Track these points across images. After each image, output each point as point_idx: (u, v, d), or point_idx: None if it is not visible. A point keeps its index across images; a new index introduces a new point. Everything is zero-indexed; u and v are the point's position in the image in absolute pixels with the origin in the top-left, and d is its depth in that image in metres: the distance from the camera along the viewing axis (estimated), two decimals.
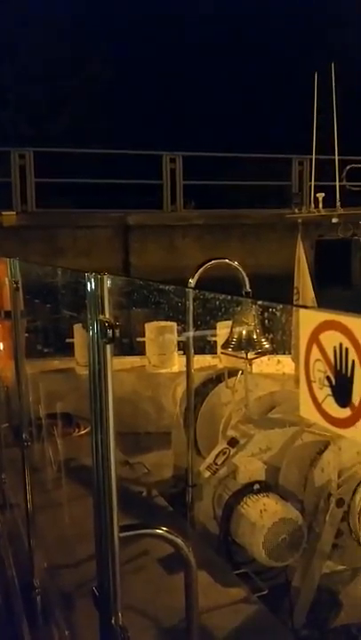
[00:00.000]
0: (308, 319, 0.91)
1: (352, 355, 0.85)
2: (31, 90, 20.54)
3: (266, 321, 3.87)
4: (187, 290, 3.70)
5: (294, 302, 5.21)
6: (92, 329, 1.37)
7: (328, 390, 0.90)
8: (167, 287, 3.03)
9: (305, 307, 0.94)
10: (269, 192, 16.12)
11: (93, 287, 1.39)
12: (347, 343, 0.85)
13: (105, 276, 1.37)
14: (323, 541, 3.25)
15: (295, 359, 4.91)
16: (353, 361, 0.85)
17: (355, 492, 3.22)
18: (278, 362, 4.98)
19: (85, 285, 1.40)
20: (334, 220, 5.50)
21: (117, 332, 1.33)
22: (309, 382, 0.92)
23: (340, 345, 0.86)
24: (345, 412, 0.87)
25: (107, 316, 1.36)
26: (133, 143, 15.43)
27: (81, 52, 20.80)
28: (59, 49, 20.42)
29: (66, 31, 20.43)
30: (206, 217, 13.24)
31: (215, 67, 21.07)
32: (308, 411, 0.92)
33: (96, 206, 13.35)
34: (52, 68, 20.49)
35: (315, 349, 0.91)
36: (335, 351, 0.88)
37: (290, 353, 5.07)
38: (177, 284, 4.02)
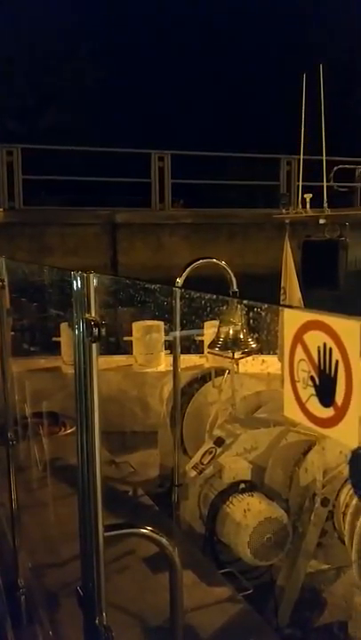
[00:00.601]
0: (292, 319, 0.92)
1: (336, 355, 0.86)
2: (19, 86, 20.44)
3: (252, 321, 3.88)
4: (174, 289, 3.70)
5: (281, 302, 5.22)
6: (78, 327, 1.37)
7: (312, 390, 0.90)
8: (154, 286, 3.03)
9: (289, 306, 0.94)
10: (258, 191, 16.19)
11: (80, 286, 1.38)
12: (331, 343, 0.86)
13: (91, 275, 1.36)
14: (307, 541, 3.27)
15: (281, 359, 4.92)
16: (336, 361, 0.86)
17: (339, 491, 3.24)
18: (263, 361, 4.99)
19: (72, 284, 1.40)
20: (322, 221, 5.52)
21: (103, 330, 1.33)
22: (293, 382, 0.93)
23: (324, 345, 0.87)
24: (328, 412, 0.87)
25: (93, 314, 1.36)
26: (122, 141, 15.41)
27: (70, 49, 20.74)
28: (48, 45, 20.34)
29: (54, 27, 20.34)
30: (194, 216, 13.27)
31: (205, 67, 21.09)
32: (291, 410, 0.93)
33: (84, 204, 13.32)
34: (41, 64, 20.41)
35: (299, 349, 0.92)
36: (319, 351, 0.88)
37: (275, 353, 5.09)
38: (165, 283, 4.02)
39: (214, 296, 3.23)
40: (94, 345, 1.36)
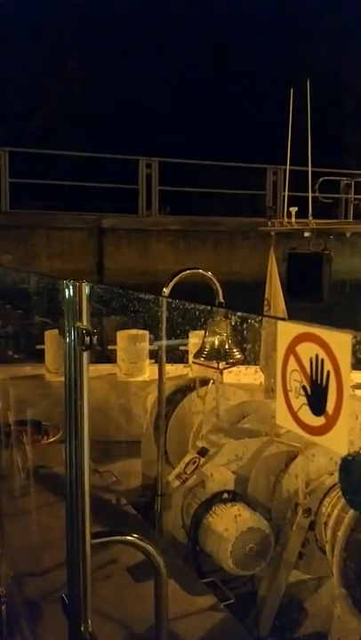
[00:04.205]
0: (285, 331, 0.94)
1: (327, 366, 0.88)
2: (6, 90, 20.41)
3: (238, 331, 3.90)
4: (160, 299, 3.72)
5: (264, 314, 5.26)
6: (70, 336, 1.38)
7: (304, 399, 0.93)
8: (144, 296, 3.05)
9: (283, 319, 0.96)
10: (244, 200, 16.32)
11: (72, 294, 1.40)
12: (323, 355, 0.88)
13: (84, 284, 1.38)
14: (289, 550, 3.29)
15: (264, 369, 4.95)
16: (328, 372, 0.88)
17: (321, 501, 3.27)
18: (256, 372, 5.02)
19: (63, 292, 1.41)
20: (306, 234, 5.57)
21: (95, 339, 1.34)
22: (286, 391, 0.95)
23: (317, 356, 0.89)
24: (319, 421, 0.90)
25: (84, 323, 1.37)
26: (110, 148, 15.44)
27: (59, 54, 20.78)
28: (35, 49, 20.37)
29: (43, 31, 20.38)
30: (181, 223, 13.35)
31: (195, 76, 21.24)
32: (284, 419, 0.95)
33: (71, 210, 13.33)
34: (28, 69, 20.41)
35: (292, 360, 0.94)
36: (311, 362, 0.91)
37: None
38: (150, 288, 4.06)
39: (200, 306, 3.26)
40: (85, 353, 1.37)
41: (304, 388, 0.92)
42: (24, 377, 6.07)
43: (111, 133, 18.93)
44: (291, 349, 0.93)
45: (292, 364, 0.93)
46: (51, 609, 2.53)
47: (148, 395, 4.82)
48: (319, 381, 0.89)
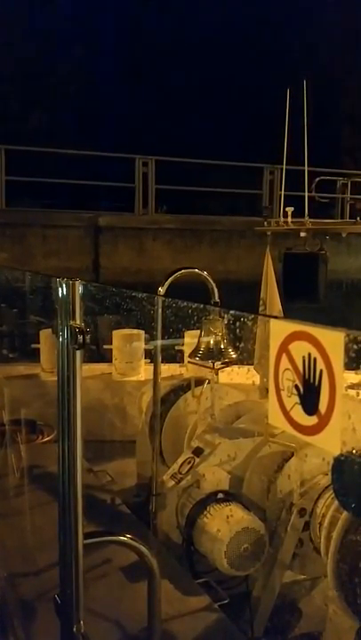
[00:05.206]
0: (278, 329, 0.93)
1: (320, 365, 0.87)
2: (3, 90, 20.38)
3: (234, 331, 3.90)
4: (156, 297, 3.71)
5: (259, 313, 5.25)
6: (63, 334, 1.37)
7: (296, 398, 0.92)
8: (138, 294, 3.04)
9: (276, 317, 0.96)
10: (241, 199, 16.33)
11: (65, 293, 1.38)
12: (315, 353, 0.87)
13: (77, 282, 1.37)
14: (284, 551, 3.28)
15: (258, 368, 4.95)
16: (321, 370, 0.87)
17: (316, 501, 3.26)
18: (248, 371, 5.01)
19: (56, 291, 1.40)
20: (302, 234, 5.57)
21: (88, 338, 1.33)
22: (278, 390, 0.94)
23: (309, 355, 0.88)
24: (312, 420, 0.89)
25: (77, 321, 1.36)
26: (107, 147, 15.41)
27: (57, 53, 20.76)
28: (32, 48, 20.33)
29: (39, 30, 20.35)
30: (177, 221, 13.32)
31: (192, 76, 21.23)
32: (276, 418, 0.94)
33: (67, 208, 13.31)
34: (26, 69, 20.37)
35: (284, 359, 0.93)
36: (304, 361, 0.89)
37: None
38: (146, 287, 4.06)
39: (195, 305, 3.25)
40: (78, 352, 1.36)
41: (296, 387, 0.91)
42: (19, 376, 6.06)
43: (108, 132, 18.93)
44: (283, 348, 0.92)
45: (284, 362, 0.92)
46: (43, 609, 2.52)
47: (143, 394, 4.82)
48: (312, 380, 0.88)
